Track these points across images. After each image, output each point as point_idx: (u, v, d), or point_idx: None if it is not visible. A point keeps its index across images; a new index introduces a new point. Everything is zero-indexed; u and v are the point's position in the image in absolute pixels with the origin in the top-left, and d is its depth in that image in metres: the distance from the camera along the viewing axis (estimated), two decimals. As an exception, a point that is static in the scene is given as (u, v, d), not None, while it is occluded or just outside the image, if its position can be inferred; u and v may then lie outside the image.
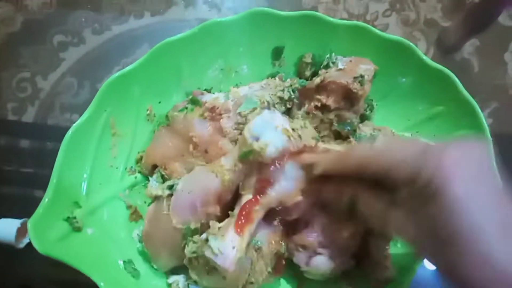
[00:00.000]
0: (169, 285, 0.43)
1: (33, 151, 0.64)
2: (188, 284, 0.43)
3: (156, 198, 0.43)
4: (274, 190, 0.39)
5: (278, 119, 0.40)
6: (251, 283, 0.42)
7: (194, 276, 0.41)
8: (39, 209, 0.38)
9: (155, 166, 0.45)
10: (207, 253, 0.37)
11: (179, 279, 0.44)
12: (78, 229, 0.41)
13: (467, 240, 0.27)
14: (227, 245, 0.37)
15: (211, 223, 0.39)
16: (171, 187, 0.42)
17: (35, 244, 0.37)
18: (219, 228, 0.39)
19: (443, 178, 0.28)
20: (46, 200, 0.38)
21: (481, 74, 0.71)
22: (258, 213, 0.39)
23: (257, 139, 0.38)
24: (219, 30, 0.45)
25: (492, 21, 0.73)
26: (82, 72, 0.69)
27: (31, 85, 0.68)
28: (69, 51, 0.70)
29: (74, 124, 0.41)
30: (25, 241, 0.51)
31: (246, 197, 0.40)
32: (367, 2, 0.75)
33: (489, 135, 0.48)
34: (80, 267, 0.38)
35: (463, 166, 0.29)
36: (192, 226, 0.40)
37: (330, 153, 0.40)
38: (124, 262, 0.42)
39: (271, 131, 0.39)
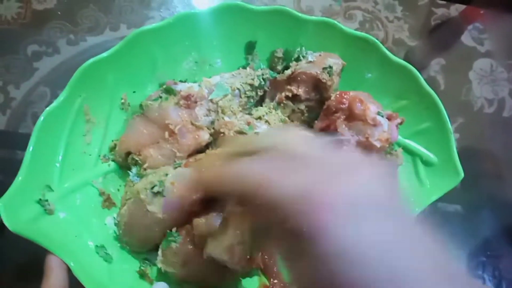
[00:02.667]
0: (141, 270, 0.43)
1: (3, 159, 0.63)
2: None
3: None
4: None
5: None
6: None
7: (170, 269, 0.42)
8: (12, 188, 0.39)
9: (128, 153, 0.46)
10: (213, 255, 0.38)
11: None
12: (50, 212, 0.41)
13: None
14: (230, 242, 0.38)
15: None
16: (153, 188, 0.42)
17: (6, 222, 0.37)
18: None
19: (319, 227, 0.24)
20: (20, 178, 0.39)
21: (447, 91, 0.75)
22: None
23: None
24: (193, 22, 0.48)
25: (455, 40, 0.78)
26: (55, 82, 0.70)
27: (3, 94, 0.68)
28: (43, 61, 0.71)
29: (48, 107, 0.42)
30: None
31: None
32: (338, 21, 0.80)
33: (450, 127, 0.51)
34: (51, 247, 0.38)
35: (345, 210, 0.24)
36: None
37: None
38: (96, 246, 0.42)
39: None
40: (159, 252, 0.42)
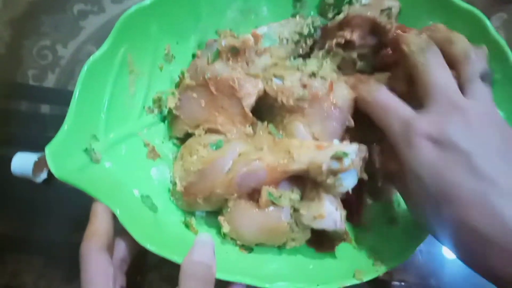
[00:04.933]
0: (187, 220, 0.44)
1: (53, 116, 0.65)
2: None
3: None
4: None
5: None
6: (293, 240, 0.42)
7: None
8: (58, 136, 0.39)
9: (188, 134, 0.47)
10: (306, 221, 0.40)
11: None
12: (96, 161, 0.42)
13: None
14: (328, 207, 0.39)
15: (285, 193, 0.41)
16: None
17: (53, 169, 0.38)
18: (300, 196, 0.42)
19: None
20: (66, 127, 0.40)
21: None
22: None
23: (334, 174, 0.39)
24: (238, -35, 0.46)
25: None
26: (102, 41, 0.70)
27: (52, 52, 0.70)
28: (89, 20, 0.72)
29: (92, 56, 0.42)
30: (43, 176, 0.52)
31: None
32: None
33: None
34: (97, 195, 0.39)
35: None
36: None
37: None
38: (141, 196, 0.43)
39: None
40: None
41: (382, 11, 0.45)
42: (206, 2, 0.48)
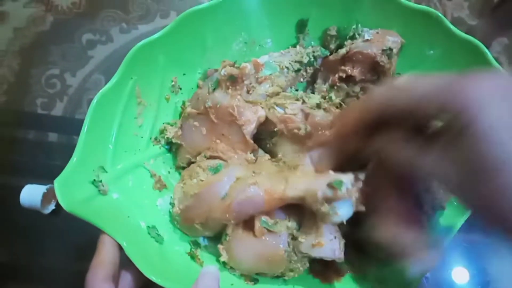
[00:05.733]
0: (192, 252, 0.44)
1: (60, 144, 0.67)
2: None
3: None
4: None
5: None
6: (291, 270, 0.43)
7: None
8: (67, 168, 0.40)
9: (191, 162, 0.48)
10: (305, 250, 0.40)
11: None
12: (104, 193, 0.42)
13: (504, 171, 0.26)
14: (327, 236, 0.40)
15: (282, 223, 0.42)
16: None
17: (62, 202, 0.39)
18: (298, 224, 0.43)
19: (473, 107, 0.28)
20: (75, 159, 0.41)
21: (509, 73, 0.70)
22: None
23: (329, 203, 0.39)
24: (243, 0, 0.48)
25: None
26: (109, 69, 0.72)
27: (60, 81, 0.72)
28: (97, 49, 0.74)
29: (102, 89, 0.43)
30: (51, 207, 0.53)
31: None
32: None
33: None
34: (104, 227, 0.39)
35: (493, 94, 0.28)
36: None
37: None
38: (148, 227, 0.43)
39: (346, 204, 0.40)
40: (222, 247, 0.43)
41: (383, 50, 0.46)
42: (212, 34, 0.49)
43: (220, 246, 0.43)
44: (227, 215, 0.41)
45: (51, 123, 0.68)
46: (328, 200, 0.38)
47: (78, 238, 0.55)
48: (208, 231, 0.45)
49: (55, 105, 0.70)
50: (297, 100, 0.46)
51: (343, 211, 0.39)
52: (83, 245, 0.55)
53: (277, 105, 0.45)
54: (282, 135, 0.45)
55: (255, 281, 0.44)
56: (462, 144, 0.29)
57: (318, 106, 0.45)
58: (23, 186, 0.52)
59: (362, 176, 0.40)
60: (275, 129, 0.45)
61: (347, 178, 0.39)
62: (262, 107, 0.46)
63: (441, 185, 0.34)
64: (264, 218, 0.41)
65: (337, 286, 0.45)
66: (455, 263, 0.54)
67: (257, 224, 0.41)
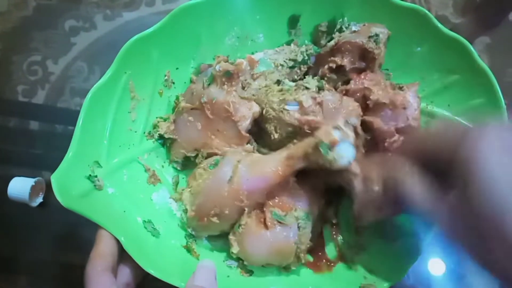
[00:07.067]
0: (188, 245, 0.45)
1: (43, 132, 0.66)
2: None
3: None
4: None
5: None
6: (298, 257, 0.45)
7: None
8: (63, 163, 0.41)
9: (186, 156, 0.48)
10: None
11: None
12: (99, 188, 0.43)
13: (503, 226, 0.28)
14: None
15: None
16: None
17: (59, 198, 0.39)
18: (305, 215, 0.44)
19: (475, 158, 0.30)
20: (70, 154, 0.41)
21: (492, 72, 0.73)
22: None
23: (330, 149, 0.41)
24: (237, -5, 0.48)
25: (502, 18, 0.75)
26: (92, 57, 0.71)
27: (42, 68, 0.70)
28: (80, 36, 0.73)
29: (96, 84, 0.43)
30: (39, 200, 0.53)
31: None
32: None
33: (504, 103, 0.50)
34: (101, 222, 0.40)
35: (494, 146, 0.30)
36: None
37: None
38: (144, 221, 0.44)
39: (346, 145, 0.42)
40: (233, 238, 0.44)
41: (369, 37, 0.48)
42: (205, 29, 0.50)
43: (231, 237, 0.44)
44: (240, 197, 0.42)
45: (33, 111, 0.67)
46: (329, 146, 0.41)
47: (60, 228, 0.55)
48: (226, 221, 0.44)
49: (36, 92, 0.68)
50: (303, 89, 0.46)
51: (347, 152, 0.41)
52: (65, 235, 0.56)
53: (287, 103, 0.45)
54: (304, 134, 0.45)
55: (250, 272, 0.45)
56: (466, 194, 0.30)
57: (321, 88, 0.46)
58: (3, 175, 0.52)
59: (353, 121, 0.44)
60: (290, 129, 0.45)
61: (340, 122, 0.42)
62: (256, 103, 0.47)
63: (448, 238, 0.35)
64: (275, 210, 0.43)
65: (329, 276, 0.47)
66: (432, 255, 0.57)
67: (268, 216, 0.42)
